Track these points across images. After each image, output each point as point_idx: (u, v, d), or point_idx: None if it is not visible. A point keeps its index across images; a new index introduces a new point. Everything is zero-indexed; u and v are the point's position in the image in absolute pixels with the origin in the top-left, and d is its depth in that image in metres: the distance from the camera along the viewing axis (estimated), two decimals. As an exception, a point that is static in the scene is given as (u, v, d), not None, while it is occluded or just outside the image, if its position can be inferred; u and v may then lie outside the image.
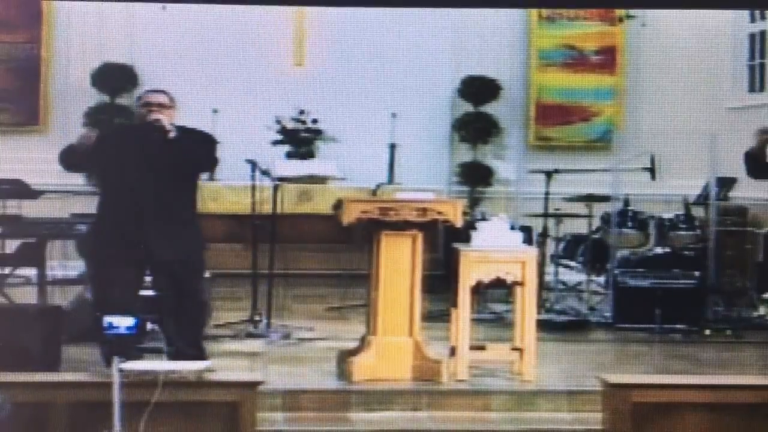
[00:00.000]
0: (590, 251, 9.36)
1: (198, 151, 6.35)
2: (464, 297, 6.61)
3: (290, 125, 11.68)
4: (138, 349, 5.51)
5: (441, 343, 6.80)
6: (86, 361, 6.28)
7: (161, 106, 6.24)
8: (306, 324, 8.20)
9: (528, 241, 8.49)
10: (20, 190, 8.57)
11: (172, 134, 6.11)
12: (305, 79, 11.74)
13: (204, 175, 9.08)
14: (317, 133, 11.74)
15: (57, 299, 7.73)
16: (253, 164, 8.09)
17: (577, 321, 8.74)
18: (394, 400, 6.26)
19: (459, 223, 6.62)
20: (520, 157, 10.68)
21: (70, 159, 6.23)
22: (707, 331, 8.48)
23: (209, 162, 6.63)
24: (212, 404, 5.31)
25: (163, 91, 6.37)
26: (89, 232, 6.81)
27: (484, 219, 7.44)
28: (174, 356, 6.01)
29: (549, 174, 9.49)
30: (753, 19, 11.91)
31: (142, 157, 6.14)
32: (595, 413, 5.81)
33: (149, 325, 5.22)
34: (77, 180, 11.07)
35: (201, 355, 6.20)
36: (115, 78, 11.64)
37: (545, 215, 9.48)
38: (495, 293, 8.71)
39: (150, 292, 6.92)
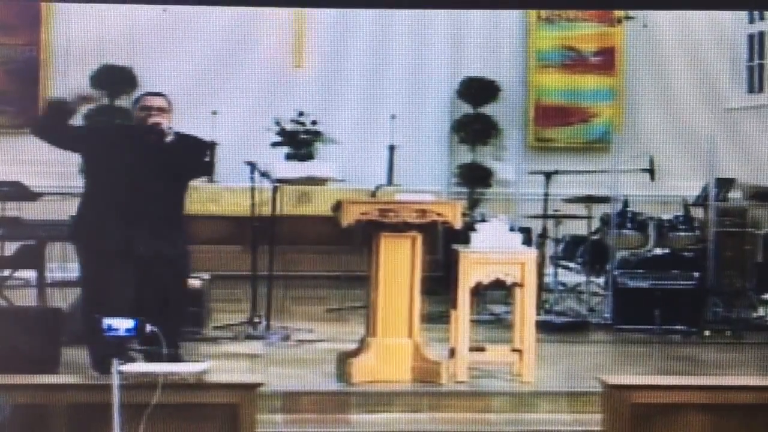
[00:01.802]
0: (589, 252, 9.36)
1: (192, 156, 6.42)
2: (464, 298, 6.60)
3: (289, 127, 11.67)
4: (131, 351, 5.51)
5: (440, 345, 6.81)
6: (85, 363, 6.27)
7: (161, 110, 6.26)
8: (305, 326, 8.19)
9: (527, 242, 8.50)
10: (19, 192, 8.58)
11: (169, 138, 6.16)
12: (304, 81, 11.72)
13: (203, 177, 9.10)
14: (316, 135, 11.73)
15: (56, 301, 7.73)
16: (253, 166, 8.09)
17: (577, 322, 8.73)
18: (393, 401, 6.26)
19: (458, 224, 6.63)
20: (520, 159, 10.65)
21: (53, 117, 6.27)
22: (707, 332, 8.48)
23: (203, 168, 6.77)
24: (212, 406, 5.30)
25: (161, 95, 6.38)
26: (75, 227, 6.58)
27: (483, 220, 7.43)
28: (149, 356, 6.00)
29: (548, 175, 9.50)
30: (752, 20, 11.91)
31: (137, 158, 6.16)
32: (595, 414, 5.80)
33: (149, 327, 5.21)
34: (77, 182, 11.15)
35: (177, 357, 6.08)
36: (114, 80, 11.64)
37: (544, 216, 9.48)
38: (494, 294, 8.72)
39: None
